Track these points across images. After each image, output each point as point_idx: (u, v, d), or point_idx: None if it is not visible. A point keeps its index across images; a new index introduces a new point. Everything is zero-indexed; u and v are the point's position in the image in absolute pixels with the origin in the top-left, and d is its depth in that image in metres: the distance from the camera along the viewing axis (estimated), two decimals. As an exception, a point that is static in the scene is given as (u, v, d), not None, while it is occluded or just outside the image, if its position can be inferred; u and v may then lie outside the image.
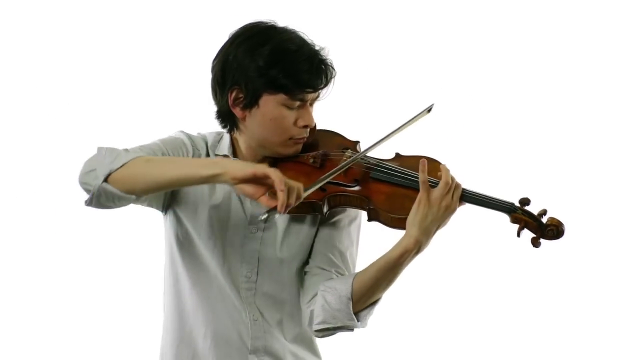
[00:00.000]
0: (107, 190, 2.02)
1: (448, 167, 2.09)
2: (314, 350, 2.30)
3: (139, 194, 2.05)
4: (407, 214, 2.08)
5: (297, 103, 2.13)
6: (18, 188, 3.78)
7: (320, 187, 2.11)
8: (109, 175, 2.01)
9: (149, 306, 2.71)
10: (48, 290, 3.75)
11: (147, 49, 3.80)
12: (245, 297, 2.20)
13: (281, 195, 1.90)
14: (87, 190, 2.05)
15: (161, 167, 2.02)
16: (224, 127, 2.21)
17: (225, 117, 2.18)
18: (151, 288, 2.61)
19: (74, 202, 2.37)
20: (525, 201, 2.11)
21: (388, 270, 2.08)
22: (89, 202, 2.06)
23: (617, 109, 3.85)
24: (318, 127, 2.24)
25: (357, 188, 2.16)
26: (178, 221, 2.21)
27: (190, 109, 3.00)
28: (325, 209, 2.16)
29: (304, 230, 2.21)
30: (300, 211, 2.14)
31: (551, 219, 2.11)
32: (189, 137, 2.23)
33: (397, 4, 3.84)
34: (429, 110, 2.24)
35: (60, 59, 3.79)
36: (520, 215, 2.11)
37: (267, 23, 2.16)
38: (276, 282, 2.21)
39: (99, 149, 2.06)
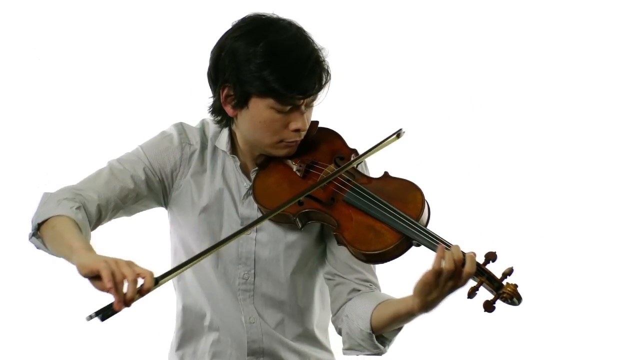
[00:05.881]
0: (36, 244, 2.01)
1: (460, 246, 1.92)
2: (321, 345, 2.26)
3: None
4: (368, 249, 1.97)
5: (288, 107, 2.02)
6: (19, 188, 3.78)
7: (297, 201, 2.02)
8: (37, 228, 1.97)
9: (162, 299, 2.69)
10: (55, 289, 3.74)
11: (144, 41, 3.75)
12: (242, 299, 2.17)
13: (113, 294, 1.76)
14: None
15: (56, 241, 1.93)
16: (218, 122, 2.13)
17: (219, 112, 2.11)
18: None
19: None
20: (490, 256, 1.90)
21: (401, 320, 2.04)
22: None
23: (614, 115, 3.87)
24: (322, 125, 2.15)
25: (331, 208, 2.03)
26: (175, 219, 2.19)
27: (189, 102, 2.99)
28: (299, 224, 2.08)
29: (301, 232, 2.14)
30: (279, 220, 2.09)
31: (509, 285, 1.88)
32: (182, 131, 2.16)
33: (396, 9, 3.87)
34: (397, 135, 2.09)
35: (60, 58, 3.77)
36: (480, 273, 1.88)
37: (266, 18, 2.06)
38: (274, 283, 2.17)
39: (43, 195, 2.03)
